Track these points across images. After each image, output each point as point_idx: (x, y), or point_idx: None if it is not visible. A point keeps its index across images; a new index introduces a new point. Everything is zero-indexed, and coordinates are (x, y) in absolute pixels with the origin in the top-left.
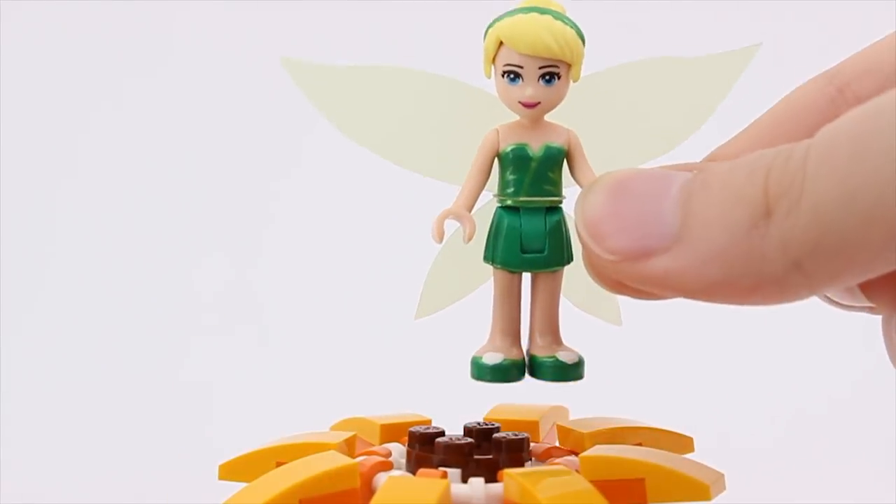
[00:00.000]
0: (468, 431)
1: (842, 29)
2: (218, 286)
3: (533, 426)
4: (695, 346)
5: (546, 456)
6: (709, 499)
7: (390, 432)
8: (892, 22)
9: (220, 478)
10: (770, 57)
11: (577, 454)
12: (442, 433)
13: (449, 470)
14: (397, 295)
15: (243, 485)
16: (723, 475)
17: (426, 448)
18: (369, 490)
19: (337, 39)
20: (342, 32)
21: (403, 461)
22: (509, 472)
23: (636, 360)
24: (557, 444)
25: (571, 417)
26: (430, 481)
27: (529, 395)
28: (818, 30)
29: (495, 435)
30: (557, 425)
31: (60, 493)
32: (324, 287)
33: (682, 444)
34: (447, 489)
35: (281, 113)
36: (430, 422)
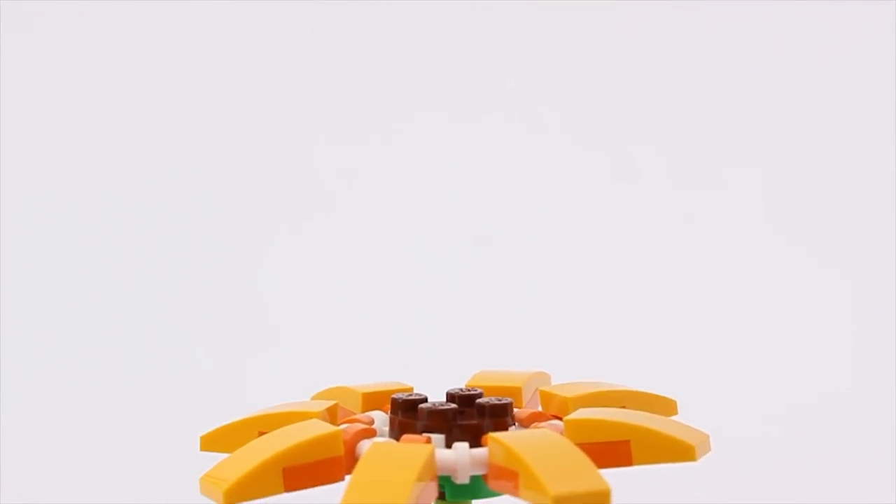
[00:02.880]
0: (451, 397)
1: (841, 29)
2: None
3: (516, 392)
4: (693, 344)
5: (530, 421)
6: (694, 459)
7: (372, 400)
8: (892, 22)
9: (202, 449)
10: (770, 57)
11: (561, 418)
12: (424, 400)
13: (433, 436)
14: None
15: (225, 455)
16: (708, 436)
17: (409, 414)
18: (353, 457)
19: (336, 39)
20: (344, 34)
21: (386, 429)
22: (493, 436)
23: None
24: (540, 409)
25: (553, 383)
26: (415, 447)
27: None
28: (818, 30)
29: (478, 400)
30: (540, 390)
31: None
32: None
33: (666, 406)
34: (432, 454)
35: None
36: (411, 389)
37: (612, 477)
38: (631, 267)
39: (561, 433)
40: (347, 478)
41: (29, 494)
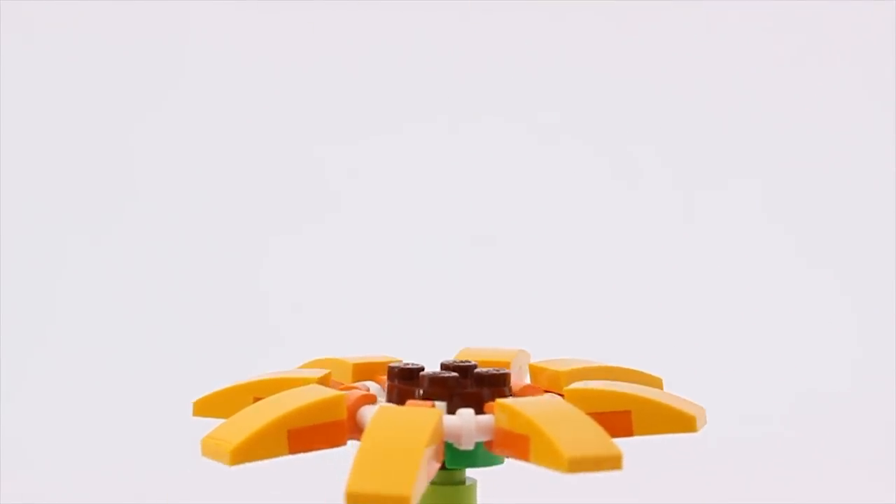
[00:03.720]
0: (448, 367)
1: (842, 29)
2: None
3: (504, 367)
4: (693, 343)
5: (524, 393)
6: (695, 430)
7: (362, 371)
8: (892, 22)
9: (195, 414)
10: (770, 57)
11: (553, 392)
12: (422, 368)
13: (436, 403)
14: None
15: (218, 421)
16: (704, 409)
17: (408, 382)
18: (355, 422)
19: (337, 40)
20: (345, 34)
21: (383, 398)
22: (500, 402)
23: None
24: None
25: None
26: (423, 410)
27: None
28: (819, 30)
29: (477, 370)
30: (531, 364)
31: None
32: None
33: (653, 384)
34: (441, 418)
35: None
36: (401, 361)
37: None
38: (629, 268)
39: None
40: (350, 443)
41: (29, 494)
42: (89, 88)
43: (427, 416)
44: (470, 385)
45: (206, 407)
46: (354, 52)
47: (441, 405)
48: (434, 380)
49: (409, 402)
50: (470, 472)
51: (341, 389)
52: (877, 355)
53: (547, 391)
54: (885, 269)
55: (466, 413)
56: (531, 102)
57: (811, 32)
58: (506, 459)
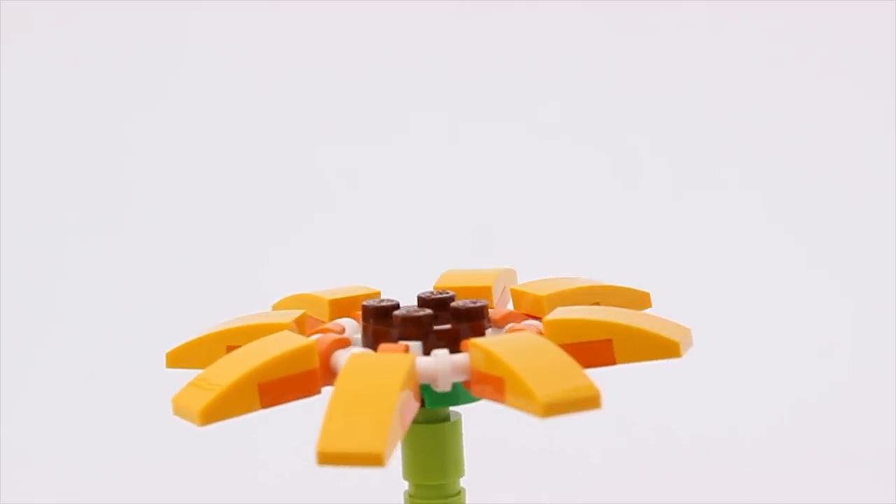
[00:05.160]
0: (423, 302)
1: (842, 29)
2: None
3: (485, 291)
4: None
5: (504, 321)
6: (679, 356)
7: (339, 307)
8: (892, 21)
9: (168, 366)
10: (769, 57)
11: (535, 318)
12: (397, 306)
13: (410, 343)
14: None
15: (193, 371)
16: (690, 330)
17: (383, 322)
18: (328, 369)
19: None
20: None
21: (359, 337)
22: (474, 342)
23: None
24: (511, 307)
25: (520, 280)
26: (395, 356)
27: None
28: (819, 30)
29: (453, 304)
30: (511, 289)
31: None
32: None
33: (640, 299)
34: (413, 364)
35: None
36: (378, 294)
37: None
38: (627, 268)
39: (539, 334)
40: (324, 390)
41: (28, 494)
42: (89, 88)
43: (397, 363)
44: (447, 320)
45: (180, 358)
46: (354, 52)
47: (416, 345)
48: (407, 320)
49: (382, 345)
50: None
51: (316, 332)
52: (877, 355)
53: (528, 316)
54: (885, 269)
55: (441, 354)
56: (531, 102)
57: (812, 32)
58: None
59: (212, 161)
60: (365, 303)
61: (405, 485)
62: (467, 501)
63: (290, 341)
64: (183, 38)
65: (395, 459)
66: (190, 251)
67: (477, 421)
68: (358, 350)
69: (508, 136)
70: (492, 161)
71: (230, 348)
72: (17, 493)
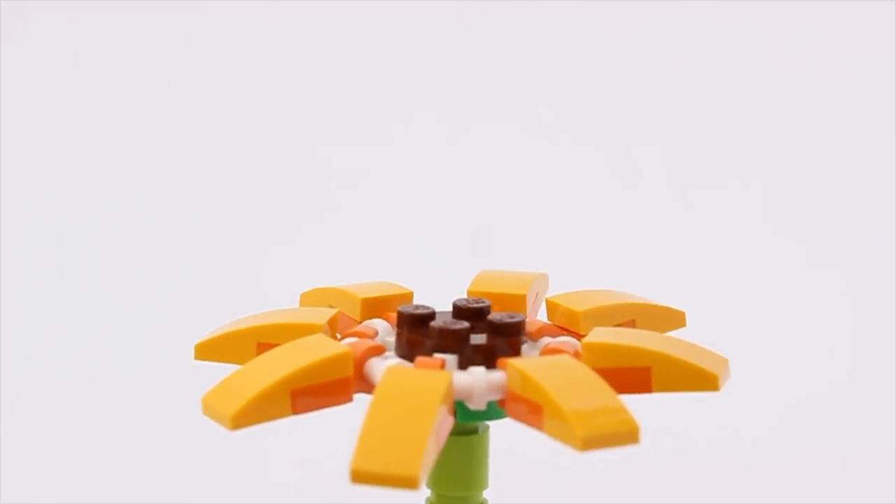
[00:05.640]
0: (459, 311)
1: (843, 29)
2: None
3: (520, 300)
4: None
5: (539, 335)
6: (717, 389)
7: (372, 307)
8: (892, 21)
9: (196, 358)
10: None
11: (569, 332)
12: (433, 315)
13: (446, 357)
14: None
15: (221, 365)
16: (727, 361)
17: (418, 331)
18: (362, 376)
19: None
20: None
21: (391, 340)
22: (512, 364)
23: None
24: (543, 315)
25: (552, 285)
26: (432, 374)
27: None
28: (819, 30)
29: (490, 317)
30: (547, 299)
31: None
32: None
33: (674, 318)
34: (450, 382)
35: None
36: (411, 294)
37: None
38: (627, 268)
39: (577, 351)
40: (356, 397)
41: (29, 494)
42: (92, 87)
43: (435, 381)
44: (482, 330)
45: (209, 351)
46: (355, 52)
47: (452, 358)
48: (444, 332)
49: (419, 359)
50: None
51: (348, 334)
52: (877, 355)
53: (563, 329)
54: (885, 269)
55: (478, 372)
56: (531, 102)
57: (812, 33)
58: None
59: (213, 161)
60: (401, 308)
61: (426, 492)
62: None
63: (325, 348)
64: (185, 37)
65: None
66: (189, 250)
67: (501, 432)
68: (394, 361)
69: (510, 136)
70: (495, 160)
71: (261, 345)
72: (17, 493)
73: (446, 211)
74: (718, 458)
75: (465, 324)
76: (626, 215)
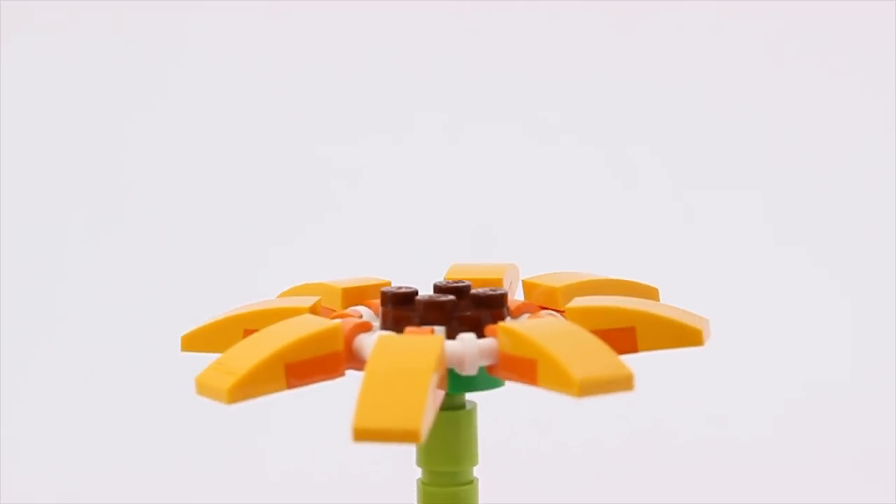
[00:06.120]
0: (441, 289)
1: (843, 29)
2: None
3: (496, 284)
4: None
5: (520, 312)
6: (701, 344)
7: (352, 296)
8: (892, 21)
9: (183, 349)
10: (769, 57)
11: (550, 309)
12: (416, 292)
13: (434, 328)
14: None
15: (208, 356)
16: (708, 320)
17: (404, 307)
18: (351, 352)
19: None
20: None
21: (376, 324)
22: (503, 325)
23: None
24: (522, 297)
25: (522, 276)
26: (425, 338)
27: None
28: (820, 30)
29: (474, 291)
30: (524, 281)
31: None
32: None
33: (648, 294)
34: (443, 345)
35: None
36: (390, 283)
37: None
38: (627, 267)
39: None
40: (348, 372)
41: (29, 494)
42: (92, 86)
43: (430, 343)
44: (467, 307)
45: (195, 341)
46: (353, 53)
47: (440, 330)
48: (431, 304)
49: (408, 328)
50: (469, 396)
51: (333, 317)
52: (877, 355)
53: (543, 308)
54: (885, 269)
55: (468, 338)
56: (531, 103)
57: (812, 33)
58: (507, 381)
59: (213, 161)
60: (384, 289)
61: (417, 473)
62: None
63: (315, 323)
64: (186, 37)
65: (409, 446)
66: (189, 250)
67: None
68: (381, 332)
69: (510, 137)
70: (493, 160)
71: (248, 332)
72: (17, 493)
73: (446, 211)
74: (718, 458)
75: (451, 297)
76: (625, 215)
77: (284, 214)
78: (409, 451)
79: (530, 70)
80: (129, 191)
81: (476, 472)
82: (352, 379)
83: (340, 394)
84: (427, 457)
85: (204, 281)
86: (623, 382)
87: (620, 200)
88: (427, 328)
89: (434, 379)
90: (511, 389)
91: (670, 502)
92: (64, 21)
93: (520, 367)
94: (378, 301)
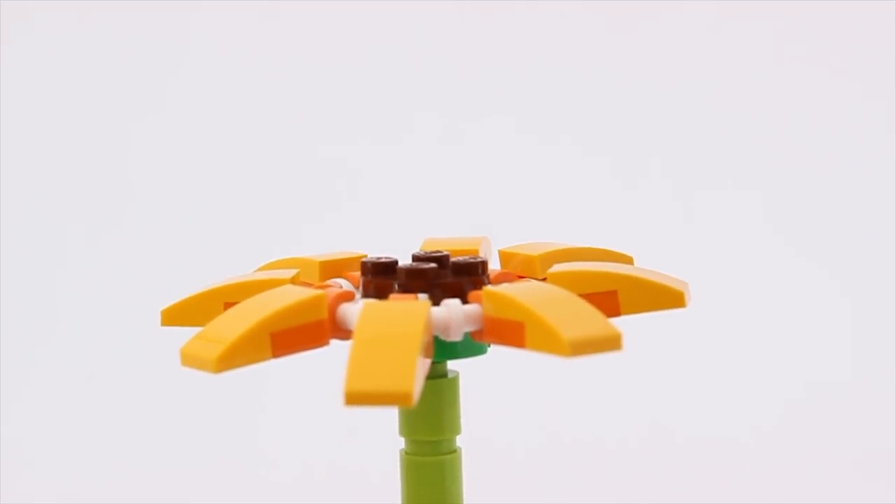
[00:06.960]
0: (421, 259)
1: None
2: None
3: (474, 254)
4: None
5: (499, 280)
6: (683, 305)
7: (330, 269)
8: (892, 21)
9: (163, 324)
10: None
11: (529, 278)
12: (396, 262)
13: (417, 295)
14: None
15: (190, 329)
16: (688, 283)
17: (385, 276)
18: (335, 322)
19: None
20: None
21: (359, 294)
22: (488, 290)
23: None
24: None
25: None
26: (411, 303)
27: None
28: (820, 31)
29: (454, 259)
30: (500, 251)
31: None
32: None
33: (624, 262)
34: (429, 310)
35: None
36: (367, 255)
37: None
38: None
39: None
40: (333, 342)
41: (29, 494)
42: (93, 86)
43: (417, 307)
44: (449, 275)
45: (175, 315)
46: (354, 52)
47: (423, 297)
48: (413, 272)
49: (393, 295)
50: (451, 364)
51: (318, 287)
52: (877, 355)
53: (521, 277)
54: (885, 269)
55: (453, 303)
56: (531, 103)
57: (812, 33)
58: (489, 348)
59: (213, 160)
60: (364, 259)
61: (400, 444)
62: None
63: (298, 292)
64: (187, 37)
65: (392, 417)
66: (189, 250)
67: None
68: (366, 300)
69: (510, 137)
70: (495, 161)
71: (228, 305)
72: (17, 493)
73: (446, 211)
74: (718, 457)
75: (433, 264)
76: (625, 215)
77: (284, 215)
78: (392, 422)
79: (530, 70)
80: (129, 190)
81: (459, 441)
82: (336, 349)
83: (323, 366)
84: (410, 426)
85: (204, 281)
86: (612, 342)
87: (620, 200)
88: (410, 295)
89: (423, 341)
90: (493, 358)
91: (670, 502)
92: (64, 21)
93: (507, 330)
94: (357, 273)
